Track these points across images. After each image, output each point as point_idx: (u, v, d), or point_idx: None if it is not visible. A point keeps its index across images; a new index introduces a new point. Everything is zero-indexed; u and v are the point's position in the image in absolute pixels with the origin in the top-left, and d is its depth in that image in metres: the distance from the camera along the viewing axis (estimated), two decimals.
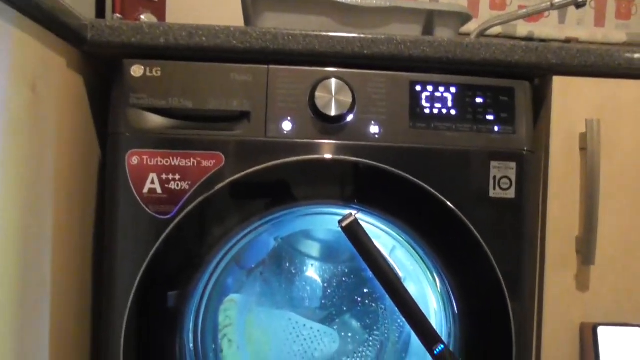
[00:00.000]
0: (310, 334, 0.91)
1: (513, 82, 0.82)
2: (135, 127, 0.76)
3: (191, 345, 0.81)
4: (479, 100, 0.81)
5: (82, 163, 0.79)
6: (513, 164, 0.80)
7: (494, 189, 0.80)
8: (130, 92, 0.76)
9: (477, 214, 0.79)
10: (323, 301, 0.93)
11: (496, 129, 0.81)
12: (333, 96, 0.78)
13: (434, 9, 0.92)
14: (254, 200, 0.78)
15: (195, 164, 0.76)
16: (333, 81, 0.78)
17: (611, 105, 0.83)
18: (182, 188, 0.76)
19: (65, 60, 0.72)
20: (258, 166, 0.77)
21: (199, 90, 0.77)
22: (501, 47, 0.80)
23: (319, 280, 0.94)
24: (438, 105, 0.81)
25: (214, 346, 0.87)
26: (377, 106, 0.80)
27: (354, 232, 0.77)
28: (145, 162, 0.76)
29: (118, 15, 1.01)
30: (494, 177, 0.80)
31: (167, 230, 0.76)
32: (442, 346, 0.75)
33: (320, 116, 0.78)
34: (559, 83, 0.82)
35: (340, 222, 0.76)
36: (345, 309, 0.93)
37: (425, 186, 0.78)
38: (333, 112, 0.78)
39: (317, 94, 0.78)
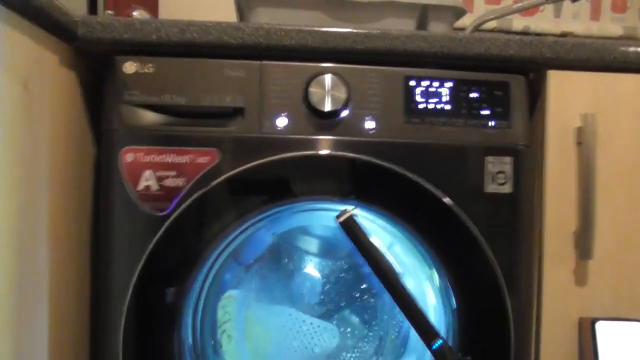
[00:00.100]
0: (310, 329, 0.91)
1: (508, 77, 0.82)
2: (129, 124, 0.76)
3: (190, 341, 0.81)
4: (473, 95, 0.81)
5: (77, 160, 0.79)
6: (508, 159, 0.80)
7: (490, 183, 0.80)
8: (123, 89, 0.76)
9: (473, 209, 0.79)
10: (322, 297, 0.93)
11: (491, 123, 0.81)
12: (327, 92, 0.78)
13: (429, 3, 0.92)
14: (251, 197, 0.78)
15: (190, 161, 0.76)
16: (327, 77, 0.78)
17: (607, 99, 0.82)
18: (178, 185, 0.76)
19: (57, 57, 0.72)
20: (254, 162, 0.77)
21: (192, 86, 0.77)
22: (496, 42, 0.80)
23: (317, 275, 0.94)
24: (433, 100, 0.80)
25: (212, 342, 0.87)
26: (372, 101, 0.79)
27: (350, 227, 0.77)
28: (140, 159, 0.76)
29: (110, 11, 1.01)
30: (490, 172, 0.80)
31: (164, 227, 0.75)
32: (441, 341, 0.75)
33: (314, 112, 0.78)
34: (554, 77, 0.82)
35: (337, 217, 0.76)
36: (344, 304, 0.93)
37: (421, 181, 0.78)
38: (327, 108, 0.78)
39: (311, 89, 0.78)
